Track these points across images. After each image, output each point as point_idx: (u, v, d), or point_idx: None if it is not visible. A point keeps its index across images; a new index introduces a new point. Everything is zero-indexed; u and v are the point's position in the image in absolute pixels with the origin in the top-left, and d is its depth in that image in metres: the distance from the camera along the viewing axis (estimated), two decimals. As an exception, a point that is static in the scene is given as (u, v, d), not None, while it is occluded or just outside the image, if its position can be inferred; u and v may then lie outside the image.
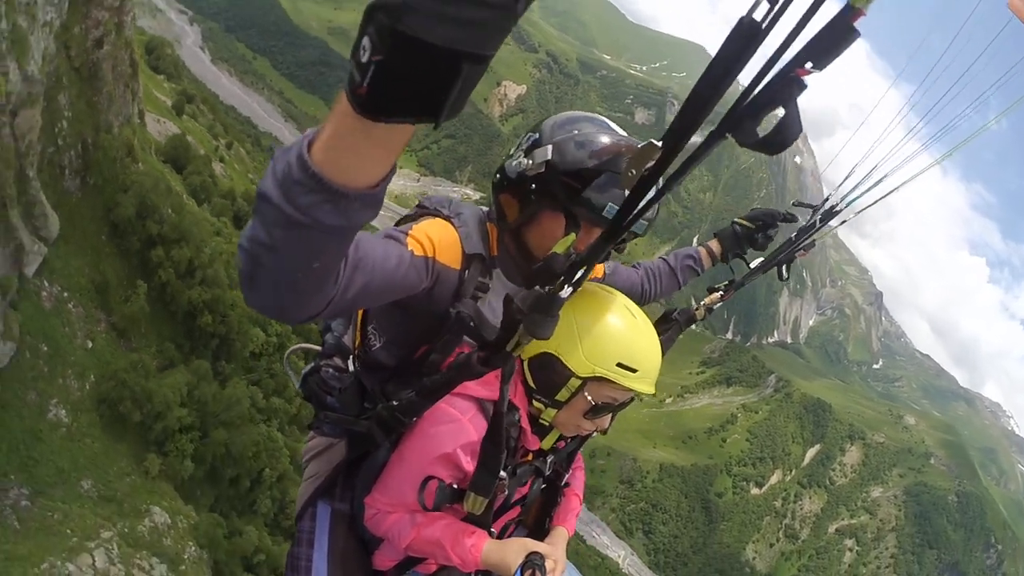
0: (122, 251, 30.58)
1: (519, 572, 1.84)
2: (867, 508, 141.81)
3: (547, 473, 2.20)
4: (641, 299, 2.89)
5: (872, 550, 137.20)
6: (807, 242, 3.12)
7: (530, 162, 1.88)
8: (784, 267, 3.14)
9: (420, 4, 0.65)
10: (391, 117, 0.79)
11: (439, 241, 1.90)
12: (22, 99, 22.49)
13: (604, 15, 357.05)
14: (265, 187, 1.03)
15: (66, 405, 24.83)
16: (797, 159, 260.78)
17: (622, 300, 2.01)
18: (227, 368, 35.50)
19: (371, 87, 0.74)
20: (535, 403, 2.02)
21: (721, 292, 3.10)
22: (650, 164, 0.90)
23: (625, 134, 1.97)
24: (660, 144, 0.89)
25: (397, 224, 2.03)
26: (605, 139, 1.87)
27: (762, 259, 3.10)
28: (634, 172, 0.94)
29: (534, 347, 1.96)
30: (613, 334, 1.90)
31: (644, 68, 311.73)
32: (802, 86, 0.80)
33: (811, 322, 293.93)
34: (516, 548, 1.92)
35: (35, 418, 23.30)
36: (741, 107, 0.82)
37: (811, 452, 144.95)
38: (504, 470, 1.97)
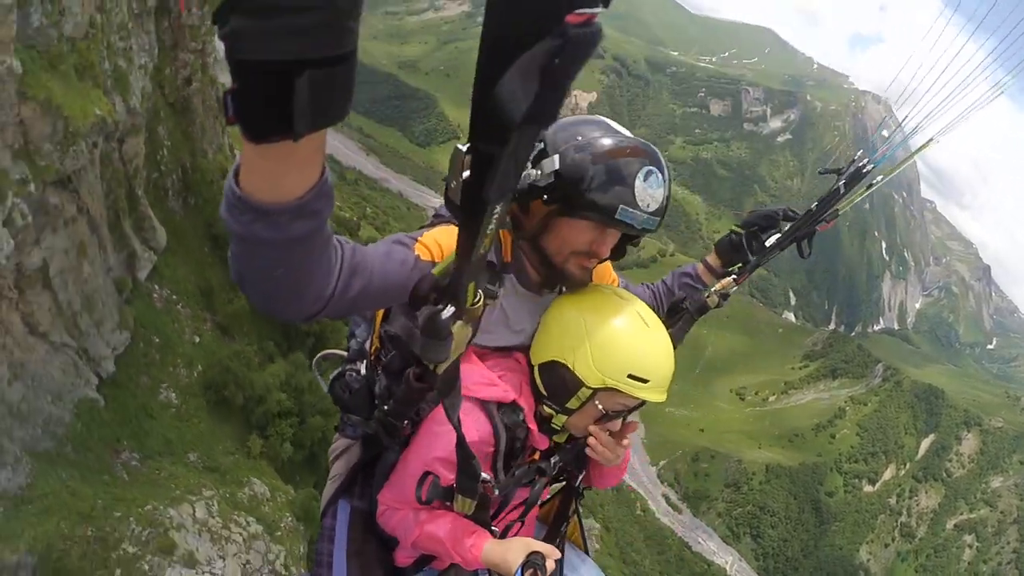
0: (223, 260, 32.45)
1: (520, 572, 1.85)
2: (987, 500, 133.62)
3: (551, 474, 2.25)
4: None
5: (993, 545, 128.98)
6: (829, 214, 2.97)
7: (539, 172, 1.89)
8: (805, 242, 3.01)
9: (244, 27, 0.65)
10: (266, 139, 0.80)
11: (448, 247, 1.91)
12: (127, 128, 25.77)
13: (666, 11, 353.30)
14: (221, 209, 1.10)
15: (175, 389, 27.14)
16: (885, 132, 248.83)
17: (635, 307, 2.01)
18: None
19: (236, 116, 0.76)
20: (545, 408, 2.07)
21: (735, 276, 3.01)
22: (466, 173, 0.89)
23: (629, 134, 2.01)
24: (465, 149, 0.87)
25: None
26: (607, 141, 1.90)
27: (778, 235, 2.97)
28: (455, 183, 0.93)
29: (543, 353, 2.03)
30: (625, 344, 1.91)
31: (714, 59, 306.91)
32: (568, 35, 0.67)
33: (918, 305, 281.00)
34: (517, 548, 1.94)
35: (147, 397, 25.65)
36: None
37: (925, 443, 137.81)
38: (507, 471, 2.05)
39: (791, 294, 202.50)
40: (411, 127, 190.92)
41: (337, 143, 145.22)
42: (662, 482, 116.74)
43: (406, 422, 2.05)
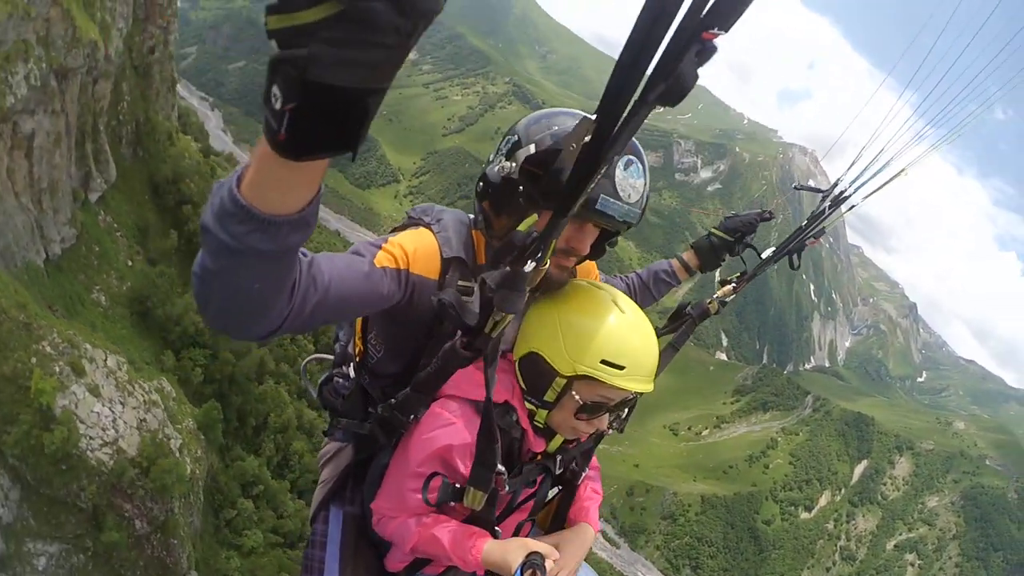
0: (159, 207, 39.38)
1: (520, 572, 1.82)
2: (925, 519, 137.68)
3: (557, 472, 2.19)
4: None
5: (935, 562, 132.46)
6: (816, 230, 3.15)
7: (513, 164, 1.87)
8: (796, 256, 3.18)
9: (323, 54, 0.71)
10: (311, 156, 0.87)
11: (414, 252, 1.91)
12: (102, 70, 32.08)
13: (606, 68, 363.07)
14: (205, 219, 1.11)
15: (106, 294, 31.39)
16: (811, 182, 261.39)
17: (610, 295, 1.96)
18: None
19: (289, 133, 0.80)
20: (528, 405, 2.02)
21: (733, 284, 3.13)
22: (587, 138, 1.04)
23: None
24: (594, 118, 1.03)
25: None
26: None
27: (773, 249, 3.13)
28: (574, 145, 1.08)
29: (522, 346, 2.00)
30: (597, 330, 1.86)
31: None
32: (708, 47, 0.91)
33: (847, 343, 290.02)
34: (516, 548, 1.90)
35: (81, 290, 29.43)
36: (657, 70, 0.91)
37: (859, 469, 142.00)
38: (509, 470, 1.99)
39: (722, 335, 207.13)
40: (351, 169, 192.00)
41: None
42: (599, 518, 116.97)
43: (412, 416, 2.03)
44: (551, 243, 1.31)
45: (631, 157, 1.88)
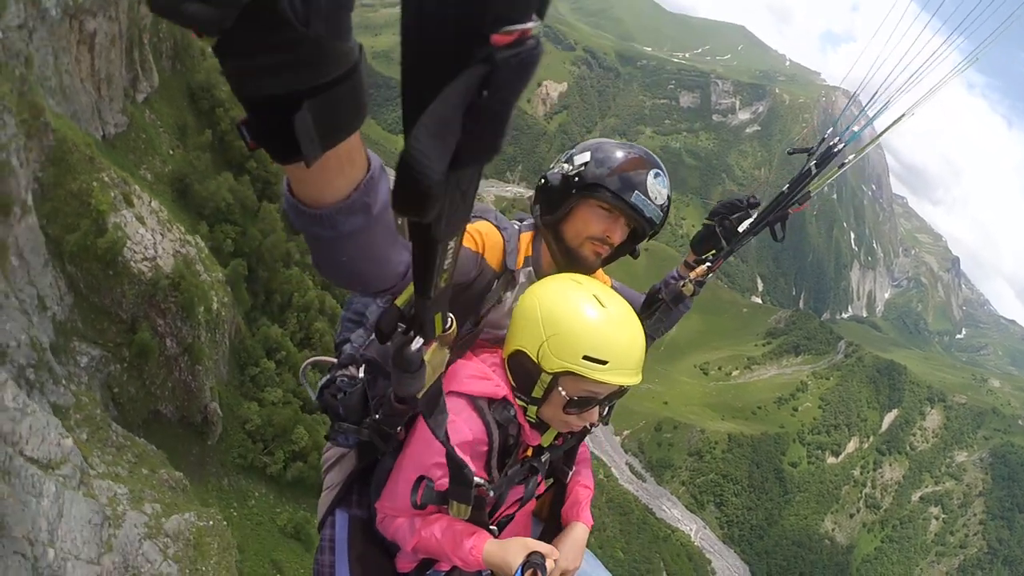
0: (195, 111, 44.07)
1: (520, 572, 1.85)
2: (952, 473, 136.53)
3: (543, 471, 2.25)
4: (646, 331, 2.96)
5: (959, 517, 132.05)
6: (801, 194, 2.88)
7: (570, 167, 2.26)
8: (778, 226, 2.92)
9: (236, 68, 0.65)
10: (285, 162, 0.81)
11: (488, 242, 2.15)
12: None
13: (640, 8, 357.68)
14: (284, 206, 1.16)
15: (151, 171, 35.69)
16: (855, 127, 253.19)
17: (591, 289, 1.98)
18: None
19: (256, 144, 0.77)
20: (518, 401, 2.04)
21: (709, 263, 2.96)
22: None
23: (637, 147, 2.36)
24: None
25: None
26: (624, 151, 2.26)
27: (751, 220, 2.88)
28: (400, 222, 0.99)
29: (508, 344, 2.03)
30: (578, 326, 1.87)
31: (687, 55, 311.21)
32: (496, 60, 0.56)
33: (887, 295, 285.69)
34: (516, 548, 1.93)
35: (131, 166, 33.17)
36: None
37: (889, 417, 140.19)
38: (501, 470, 2.07)
39: (759, 280, 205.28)
40: (383, 115, 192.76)
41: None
42: (626, 451, 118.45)
43: (399, 428, 2.10)
44: (433, 320, 1.22)
45: (658, 170, 2.27)
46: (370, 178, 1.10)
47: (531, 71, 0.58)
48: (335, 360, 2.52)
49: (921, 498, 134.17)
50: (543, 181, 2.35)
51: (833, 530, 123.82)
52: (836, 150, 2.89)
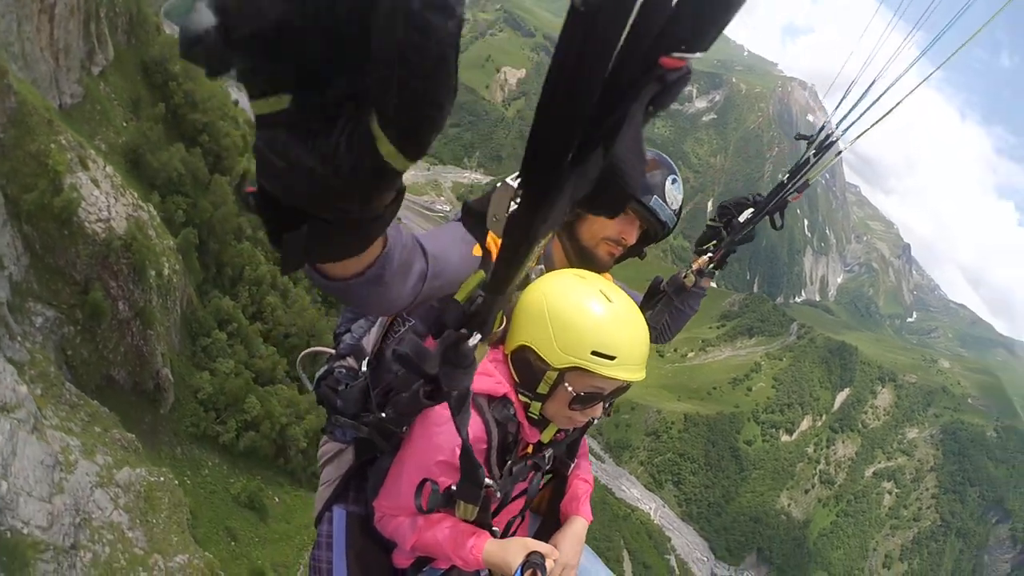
0: (149, 84, 44.63)
1: (520, 572, 1.85)
2: (903, 449, 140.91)
3: (547, 467, 2.24)
4: (657, 335, 2.97)
5: (912, 491, 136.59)
6: (800, 183, 2.94)
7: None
8: (778, 215, 2.99)
9: (259, 159, 0.61)
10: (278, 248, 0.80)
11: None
12: None
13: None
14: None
15: (106, 142, 36.27)
16: (810, 117, 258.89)
17: (597, 284, 1.97)
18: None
19: (258, 215, 0.75)
20: (521, 397, 2.02)
21: (710, 254, 3.00)
22: (513, 207, 0.79)
23: (652, 149, 2.27)
24: (515, 183, 0.81)
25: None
26: (647, 154, 2.11)
27: (751, 210, 2.94)
28: (496, 217, 0.91)
29: (512, 340, 1.98)
30: (586, 321, 1.86)
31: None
32: (667, 80, 0.59)
33: (839, 280, 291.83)
34: (516, 548, 1.93)
35: (85, 135, 32.94)
36: (589, 127, 0.59)
37: (841, 396, 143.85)
38: (501, 468, 2.02)
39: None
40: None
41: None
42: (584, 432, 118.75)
43: (404, 428, 2.06)
44: (494, 317, 1.19)
45: (675, 176, 2.33)
46: (386, 254, 1.17)
47: (684, 88, 0.61)
48: (333, 351, 2.46)
49: (874, 473, 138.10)
50: None
51: (789, 506, 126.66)
52: (833, 139, 2.96)
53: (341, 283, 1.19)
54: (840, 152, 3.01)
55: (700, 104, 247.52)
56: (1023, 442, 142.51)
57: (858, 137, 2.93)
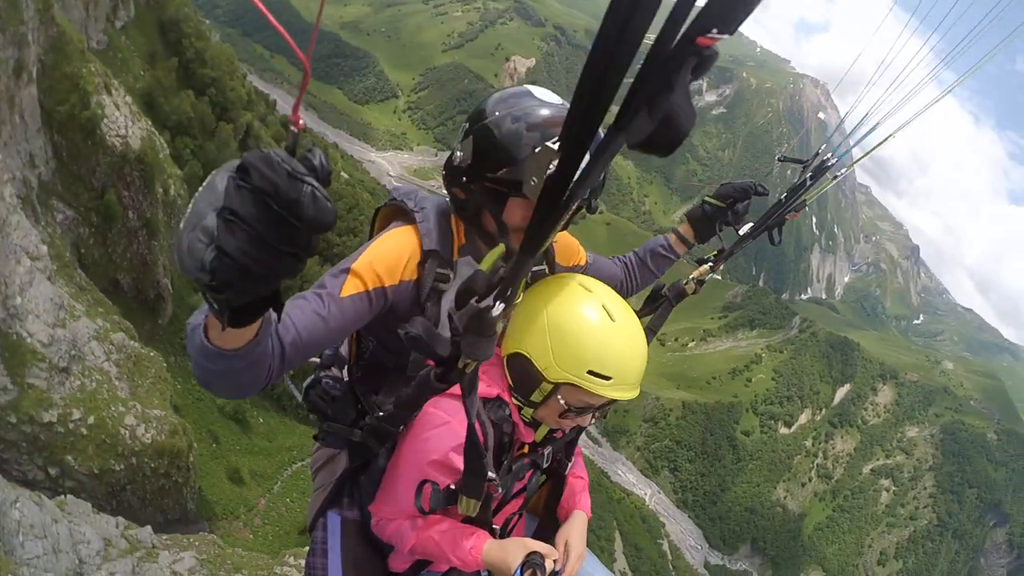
0: (164, 41, 49.99)
1: (519, 572, 1.84)
2: (903, 448, 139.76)
3: (545, 465, 2.23)
4: (622, 292, 2.86)
5: (909, 490, 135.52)
6: (797, 203, 2.99)
7: (465, 154, 1.94)
8: (776, 231, 3.04)
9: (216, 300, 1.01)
10: (237, 326, 1.09)
11: (392, 262, 1.96)
12: None
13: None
14: (189, 348, 1.41)
15: (124, 86, 37.58)
16: (821, 115, 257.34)
17: (601, 297, 1.93)
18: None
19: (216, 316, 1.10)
20: (513, 400, 2.03)
21: (711, 263, 3.02)
22: (551, 169, 0.82)
23: (563, 102, 1.94)
24: (557, 147, 0.82)
25: (375, 213, 2.27)
26: (544, 112, 1.87)
27: (751, 225, 2.97)
28: (535, 180, 0.93)
29: (510, 345, 1.97)
30: (585, 339, 1.84)
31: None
32: (704, 55, 0.67)
33: (846, 279, 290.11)
34: (515, 548, 1.92)
35: (100, 86, 34.66)
36: (633, 92, 0.68)
37: (841, 391, 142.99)
38: (498, 468, 2.01)
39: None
40: (349, 86, 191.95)
41: (277, 98, 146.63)
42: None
43: (401, 427, 2.05)
44: (520, 282, 1.19)
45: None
46: (266, 327, 1.38)
47: (708, 68, 0.70)
48: (318, 360, 2.46)
49: (872, 470, 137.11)
50: (447, 171, 2.10)
51: (785, 498, 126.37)
52: (829, 164, 2.90)
53: (240, 351, 1.35)
54: (836, 178, 2.93)
55: (710, 97, 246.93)
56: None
57: (854, 164, 2.98)
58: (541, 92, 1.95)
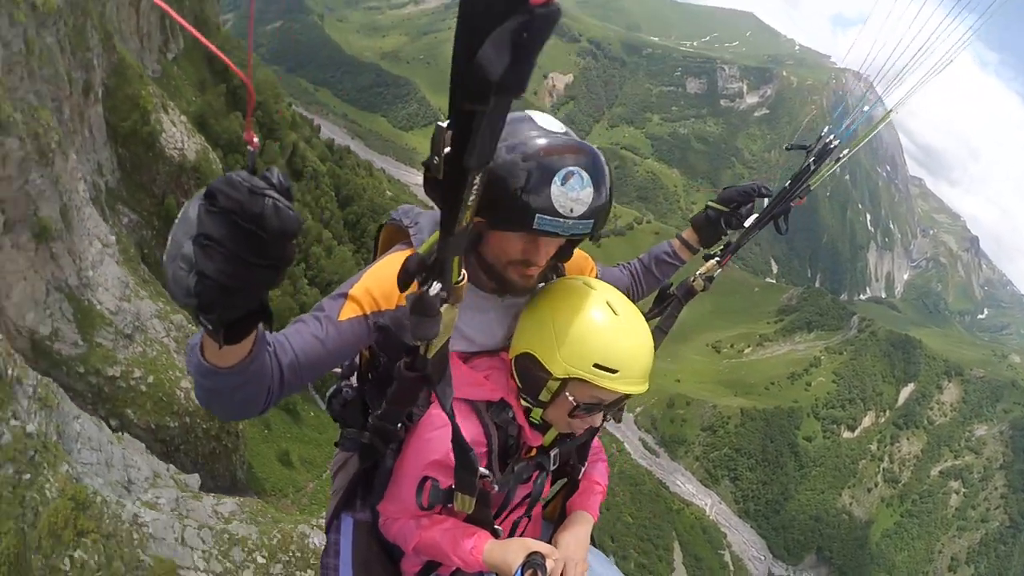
0: (212, 70, 53.51)
1: (520, 572, 1.84)
2: (971, 447, 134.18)
3: (552, 467, 2.22)
4: (628, 298, 2.59)
5: (980, 491, 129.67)
6: (802, 189, 2.96)
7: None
8: (782, 219, 2.99)
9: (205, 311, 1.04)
10: (232, 342, 1.20)
11: (388, 289, 1.93)
12: None
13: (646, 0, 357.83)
14: (190, 369, 1.47)
15: (178, 109, 40.90)
16: (866, 108, 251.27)
17: (604, 295, 1.94)
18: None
19: (210, 335, 1.15)
20: (522, 401, 2.04)
21: (718, 259, 2.99)
22: (446, 149, 0.93)
23: (562, 130, 1.85)
24: (446, 125, 0.92)
25: (377, 233, 2.33)
26: (541, 141, 1.75)
27: (756, 216, 2.90)
28: (437, 159, 0.98)
29: (516, 346, 2.00)
30: (590, 334, 1.85)
31: (694, 44, 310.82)
32: (535, 14, 0.76)
33: (906, 276, 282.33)
34: (516, 548, 1.93)
35: (158, 106, 37.94)
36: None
37: (905, 391, 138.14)
38: (503, 470, 2.07)
39: (772, 262, 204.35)
40: (393, 112, 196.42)
41: (324, 128, 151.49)
42: (639, 428, 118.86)
43: (400, 425, 2.05)
44: (451, 263, 1.25)
45: (571, 168, 1.73)
46: (255, 348, 1.40)
47: (555, 23, 0.78)
48: (339, 370, 2.52)
49: (941, 472, 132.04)
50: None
51: (851, 505, 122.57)
52: (832, 146, 2.94)
53: (234, 368, 1.39)
54: (840, 160, 2.94)
55: (751, 100, 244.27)
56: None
57: (856, 147, 3.01)
58: (541, 118, 1.86)
